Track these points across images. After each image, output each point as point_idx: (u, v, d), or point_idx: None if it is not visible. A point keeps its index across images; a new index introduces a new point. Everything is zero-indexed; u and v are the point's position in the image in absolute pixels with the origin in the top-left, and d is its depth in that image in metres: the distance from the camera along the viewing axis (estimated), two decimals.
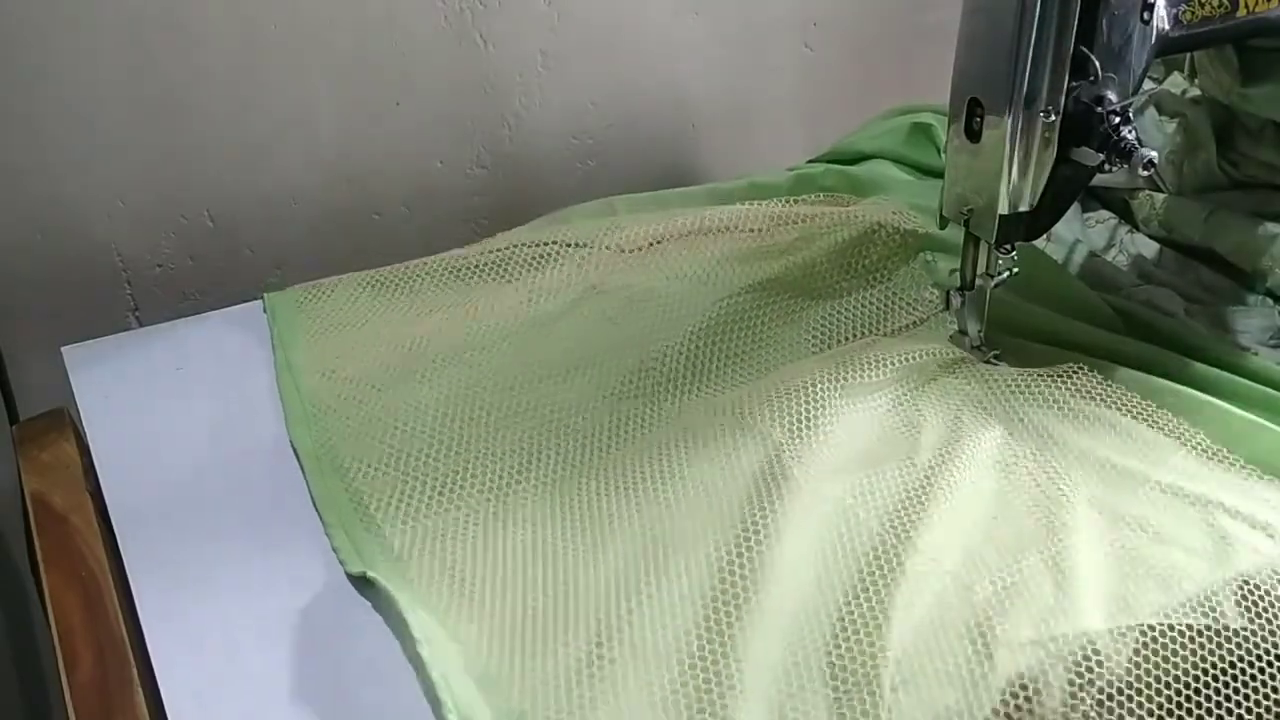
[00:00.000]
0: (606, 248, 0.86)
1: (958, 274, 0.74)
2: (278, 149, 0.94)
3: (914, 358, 0.74)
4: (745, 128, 1.15)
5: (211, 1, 0.86)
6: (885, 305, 0.81)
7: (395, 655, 0.57)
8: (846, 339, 0.79)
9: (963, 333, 0.75)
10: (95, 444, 0.71)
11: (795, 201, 0.92)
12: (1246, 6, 0.70)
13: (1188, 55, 0.85)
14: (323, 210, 0.98)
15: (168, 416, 0.73)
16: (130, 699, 0.55)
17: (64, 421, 0.75)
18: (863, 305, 0.81)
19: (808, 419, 0.67)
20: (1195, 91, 0.85)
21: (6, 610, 0.98)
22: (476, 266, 0.86)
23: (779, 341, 0.78)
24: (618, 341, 0.77)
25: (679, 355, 0.76)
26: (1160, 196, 0.86)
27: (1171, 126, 0.87)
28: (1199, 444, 0.67)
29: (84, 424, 0.73)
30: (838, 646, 0.55)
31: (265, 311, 0.83)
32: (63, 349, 0.79)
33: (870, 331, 0.80)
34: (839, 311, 0.80)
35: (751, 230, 0.89)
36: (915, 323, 0.80)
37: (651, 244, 0.87)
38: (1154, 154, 0.64)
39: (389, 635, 0.58)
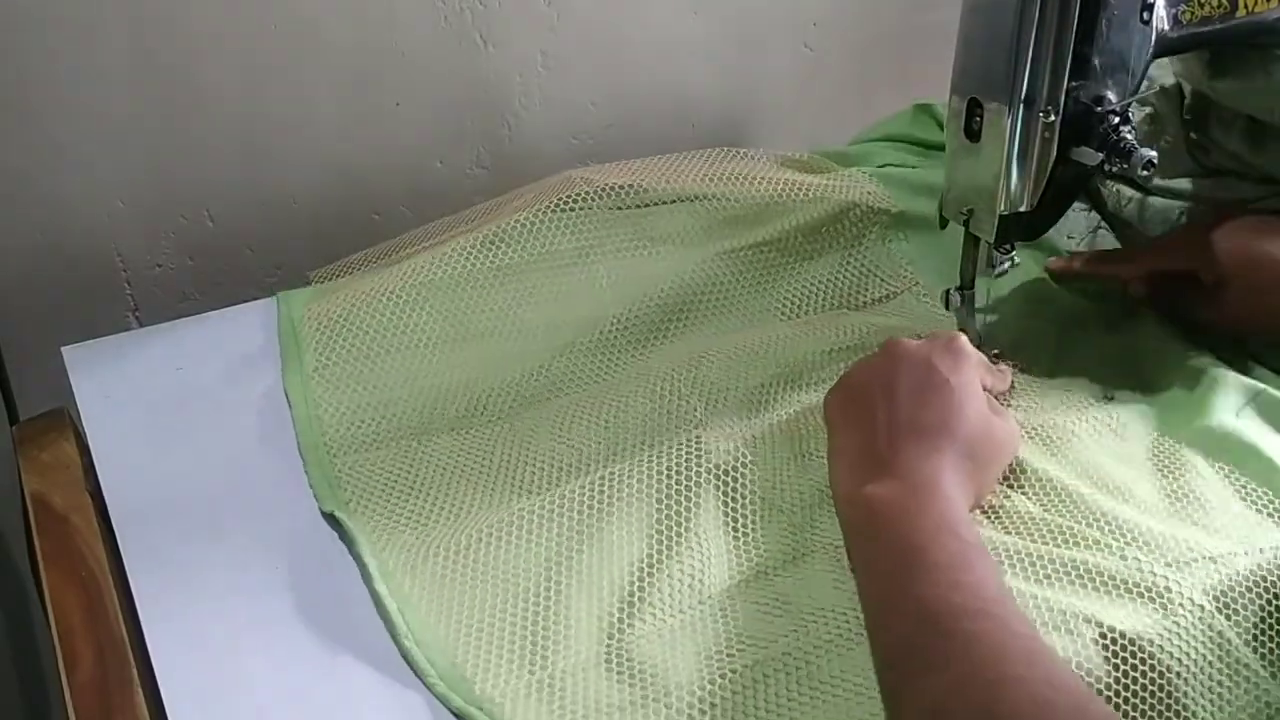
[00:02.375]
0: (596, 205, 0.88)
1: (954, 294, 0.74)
2: (278, 149, 0.94)
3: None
4: (745, 128, 1.15)
5: (212, 1, 0.86)
6: (857, 279, 0.83)
7: (397, 654, 0.57)
8: (816, 310, 0.81)
9: (962, 331, 0.75)
10: (95, 444, 0.71)
11: (776, 163, 0.93)
12: (1246, 7, 0.70)
13: None
14: (323, 210, 0.98)
15: (168, 416, 0.73)
16: (130, 699, 0.55)
17: (64, 421, 0.75)
18: (834, 278, 0.83)
19: (725, 391, 0.71)
20: (1166, 80, 0.84)
21: (6, 610, 0.98)
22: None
23: (748, 308, 0.81)
24: (596, 297, 0.81)
25: (648, 315, 0.79)
26: (1130, 193, 0.85)
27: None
28: (1191, 444, 0.67)
29: (84, 424, 0.73)
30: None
31: (278, 308, 0.82)
32: (63, 349, 0.79)
33: (840, 304, 0.82)
34: (809, 282, 0.83)
35: (730, 194, 0.89)
36: (886, 296, 0.82)
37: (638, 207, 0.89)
38: (1154, 154, 0.64)
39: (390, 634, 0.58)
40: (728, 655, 0.55)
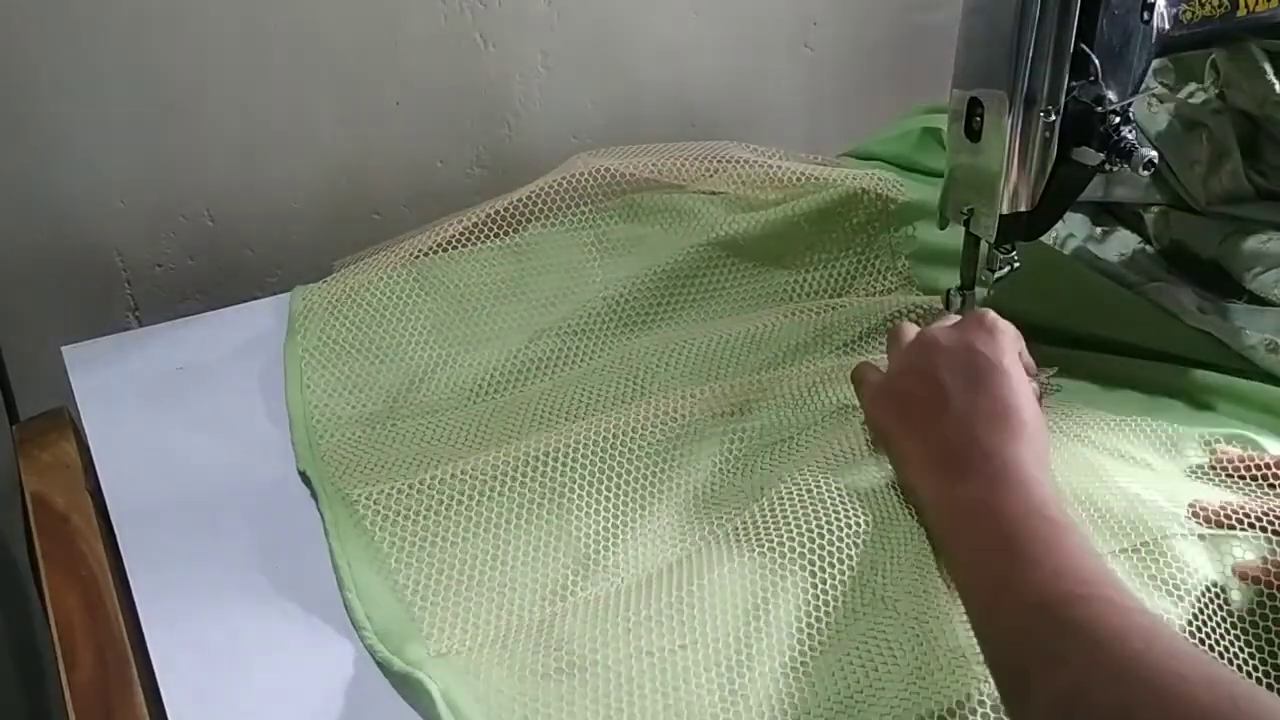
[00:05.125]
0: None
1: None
2: (278, 149, 0.94)
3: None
4: (745, 128, 1.15)
5: (212, 1, 0.86)
6: (855, 271, 0.84)
7: None
8: (808, 296, 0.82)
9: None
10: (95, 444, 0.71)
11: (785, 156, 0.94)
12: (1246, 6, 0.70)
13: (1208, 66, 0.84)
14: (323, 210, 0.98)
15: (168, 416, 0.73)
16: (130, 699, 0.55)
17: (64, 421, 0.75)
18: (834, 269, 0.84)
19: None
20: (1216, 102, 0.84)
21: (6, 610, 0.98)
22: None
23: (739, 294, 0.82)
24: (587, 279, 0.83)
25: (638, 298, 0.80)
26: (1175, 214, 0.85)
27: (1165, 116, 0.86)
28: (1184, 442, 0.67)
29: (84, 424, 0.73)
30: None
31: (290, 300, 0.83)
32: (63, 349, 0.79)
33: (833, 292, 0.83)
34: (809, 271, 0.84)
35: (735, 182, 0.91)
36: (883, 291, 0.83)
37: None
38: (1154, 154, 0.64)
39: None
40: (654, 634, 0.55)
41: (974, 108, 0.67)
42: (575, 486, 0.64)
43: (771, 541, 0.60)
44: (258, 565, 0.62)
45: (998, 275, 0.71)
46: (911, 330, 0.68)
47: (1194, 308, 0.77)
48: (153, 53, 0.86)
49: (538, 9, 0.99)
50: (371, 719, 0.54)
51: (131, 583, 0.61)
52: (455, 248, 0.85)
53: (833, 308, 0.80)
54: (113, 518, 0.66)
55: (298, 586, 0.61)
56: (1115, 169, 0.66)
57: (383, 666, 0.55)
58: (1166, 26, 0.68)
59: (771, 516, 0.62)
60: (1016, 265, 0.72)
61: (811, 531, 0.60)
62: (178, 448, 0.71)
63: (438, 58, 0.97)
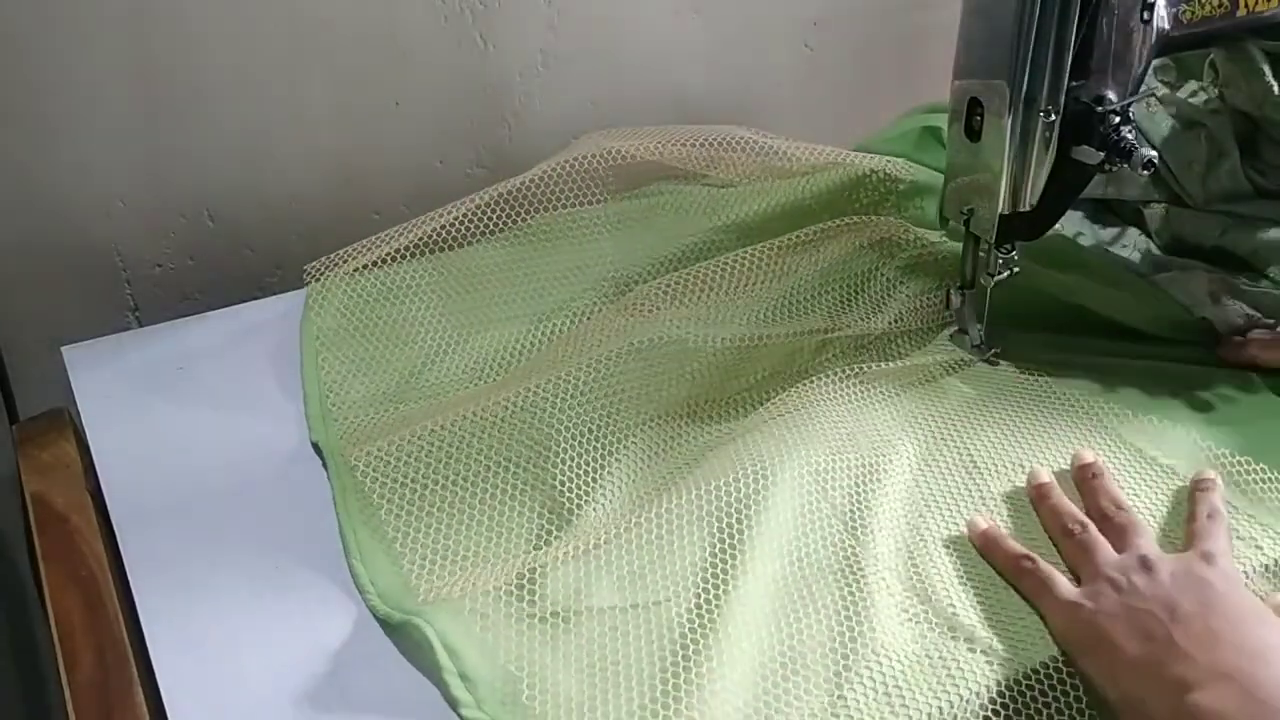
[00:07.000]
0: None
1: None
2: (277, 149, 0.94)
3: (908, 350, 0.75)
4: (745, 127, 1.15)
5: (212, 1, 0.86)
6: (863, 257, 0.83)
7: (396, 650, 0.57)
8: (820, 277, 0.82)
9: (963, 332, 0.75)
10: (95, 444, 0.71)
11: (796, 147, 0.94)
12: (1246, 6, 0.70)
13: (1207, 65, 0.84)
14: (323, 210, 0.98)
15: (168, 416, 0.73)
16: (130, 699, 0.55)
17: (64, 421, 0.75)
18: (843, 257, 0.83)
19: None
20: (1215, 102, 0.84)
21: (6, 610, 0.98)
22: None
23: (750, 276, 0.81)
24: (598, 259, 0.83)
25: (646, 279, 0.80)
26: (1175, 210, 0.85)
27: (1164, 117, 0.86)
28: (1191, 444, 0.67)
29: (84, 424, 0.73)
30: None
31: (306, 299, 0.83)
32: (63, 349, 0.79)
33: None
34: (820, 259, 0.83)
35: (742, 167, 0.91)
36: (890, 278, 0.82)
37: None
38: (1154, 154, 0.64)
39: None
40: (640, 588, 0.56)
41: (974, 107, 0.67)
42: (555, 431, 0.66)
43: (741, 484, 0.61)
44: (258, 565, 0.62)
45: (997, 279, 0.71)
46: (1106, 548, 0.60)
47: (1205, 296, 0.77)
48: (152, 53, 0.86)
49: (538, 9, 0.99)
50: (371, 716, 0.54)
51: (131, 583, 0.61)
52: (464, 231, 0.86)
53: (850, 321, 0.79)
54: (113, 518, 0.66)
55: (298, 586, 0.61)
56: (1115, 169, 0.66)
57: (384, 623, 0.57)
58: (1166, 26, 0.68)
59: (741, 462, 0.63)
60: (1016, 271, 0.72)
61: (776, 476, 0.62)
62: (177, 448, 0.71)
63: (438, 58, 0.97)
